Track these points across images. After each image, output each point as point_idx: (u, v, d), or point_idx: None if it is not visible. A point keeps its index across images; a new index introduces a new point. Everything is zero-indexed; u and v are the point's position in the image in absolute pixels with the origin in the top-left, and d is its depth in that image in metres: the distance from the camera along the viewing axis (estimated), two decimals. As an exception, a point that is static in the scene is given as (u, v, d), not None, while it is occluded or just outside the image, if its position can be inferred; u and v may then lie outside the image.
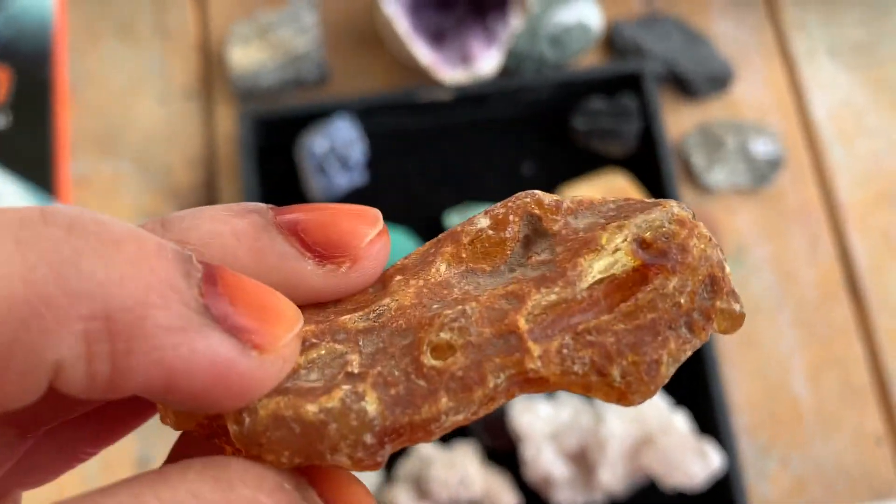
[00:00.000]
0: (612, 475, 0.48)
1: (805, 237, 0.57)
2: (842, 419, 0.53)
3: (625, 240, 0.15)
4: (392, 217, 0.56)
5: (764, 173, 0.57)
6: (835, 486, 0.52)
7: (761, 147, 0.57)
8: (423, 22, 0.58)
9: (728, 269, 0.15)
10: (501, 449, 0.51)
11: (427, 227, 0.56)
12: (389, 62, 0.61)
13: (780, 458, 0.53)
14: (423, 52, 0.56)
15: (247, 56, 0.59)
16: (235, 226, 0.15)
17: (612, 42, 0.61)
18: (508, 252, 0.16)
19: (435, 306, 0.15)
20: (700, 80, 0.59)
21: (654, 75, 0.55)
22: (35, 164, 0.59)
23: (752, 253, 0.57)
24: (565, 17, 0.58)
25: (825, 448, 0.53)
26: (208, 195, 0.59)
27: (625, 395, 0.14)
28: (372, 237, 0.16)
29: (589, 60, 0.61)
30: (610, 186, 0.55)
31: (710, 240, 0.15)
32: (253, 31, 0.59)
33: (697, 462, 0.47)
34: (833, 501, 0.52)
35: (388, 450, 0.14)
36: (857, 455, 0.52)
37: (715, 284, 0.15)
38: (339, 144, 0.53)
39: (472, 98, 0.57)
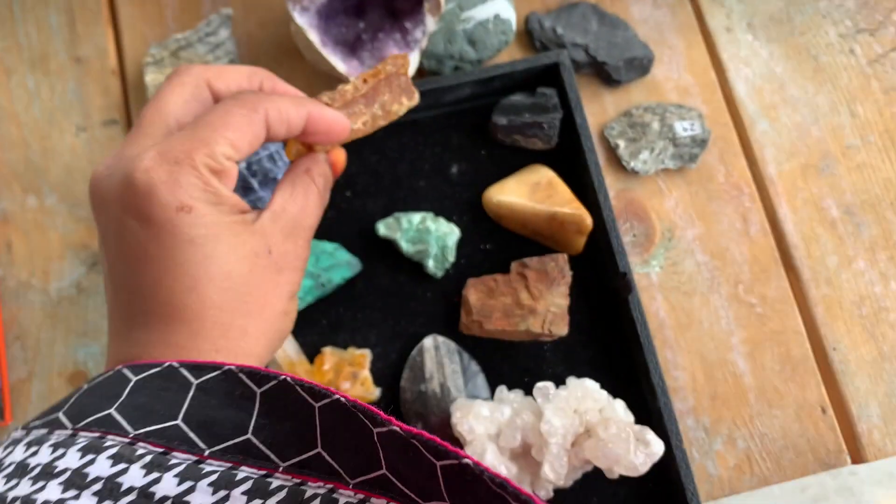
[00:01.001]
0: (558, 469, 0.48)
1: (736, 214, 0.57)
2: (785, 392, 0.53)
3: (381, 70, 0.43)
4: (321, 233, 0.55)
5: (691, 153, 0.57)
6: (782, 459, 0.52)
7: (686, 127, 0.57)
8: (337, 30, 0.57)
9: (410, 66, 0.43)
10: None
11: (359, 238, 0.55)
12: (310, 72, 0.60)
13: (726, 437, 0.53)
14: (338, 62, 0.55)
15: (162, 78, 0.58)
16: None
17: (531, 35, 0.60)
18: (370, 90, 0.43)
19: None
20: (620, 66, 0.58)
21: (570, 66, 0.55)
22: (-43, 206, 0.58)
23: (683, 234, 0.56)
24: (480, 12, 0.58)
25: (770, 423, 0.53)
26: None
27: (412, 97, 0.43)
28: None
29: (510, 55, 0.60)
30: (537, 179, 0.54)
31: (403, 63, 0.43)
32: (166, 53, 0.58)
33: (640, 451, 0.47)
34: (781, 475, 0.52)
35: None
36: (802, 427, 0.53)
37: (401, 70, 0.43)
38: (255, 158, 0.52)
39: (393, 103, 0.56)
